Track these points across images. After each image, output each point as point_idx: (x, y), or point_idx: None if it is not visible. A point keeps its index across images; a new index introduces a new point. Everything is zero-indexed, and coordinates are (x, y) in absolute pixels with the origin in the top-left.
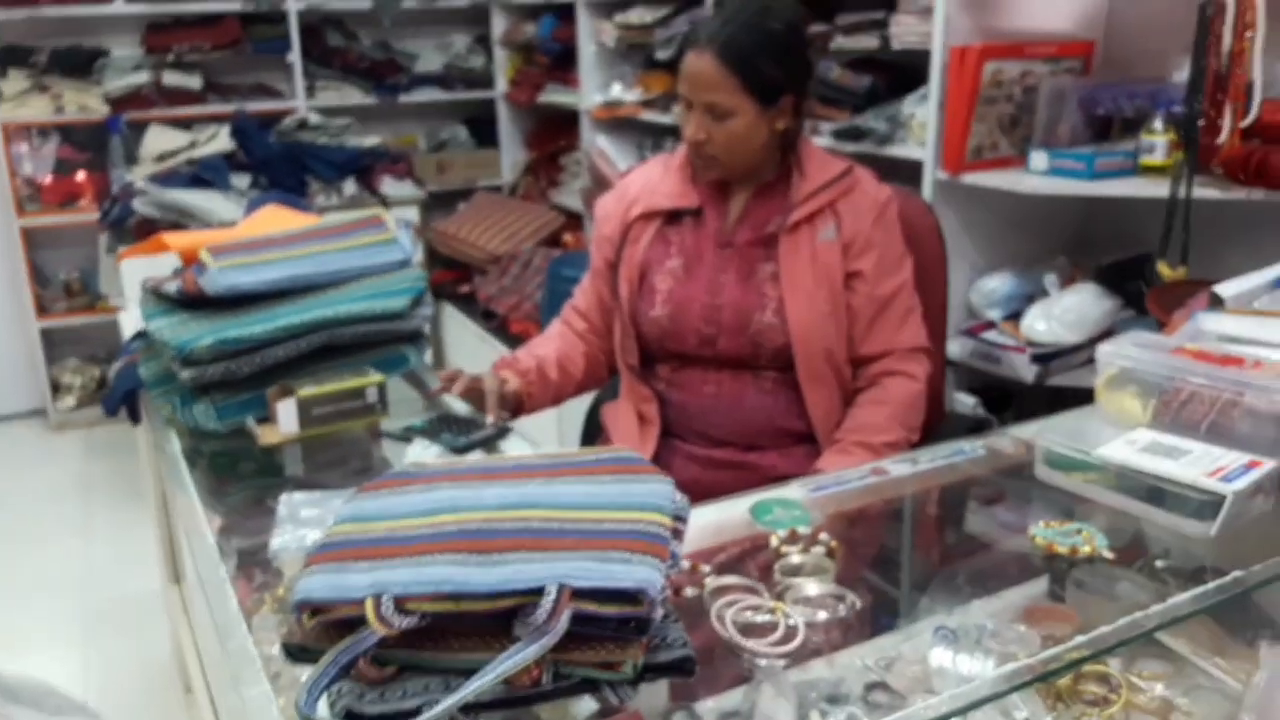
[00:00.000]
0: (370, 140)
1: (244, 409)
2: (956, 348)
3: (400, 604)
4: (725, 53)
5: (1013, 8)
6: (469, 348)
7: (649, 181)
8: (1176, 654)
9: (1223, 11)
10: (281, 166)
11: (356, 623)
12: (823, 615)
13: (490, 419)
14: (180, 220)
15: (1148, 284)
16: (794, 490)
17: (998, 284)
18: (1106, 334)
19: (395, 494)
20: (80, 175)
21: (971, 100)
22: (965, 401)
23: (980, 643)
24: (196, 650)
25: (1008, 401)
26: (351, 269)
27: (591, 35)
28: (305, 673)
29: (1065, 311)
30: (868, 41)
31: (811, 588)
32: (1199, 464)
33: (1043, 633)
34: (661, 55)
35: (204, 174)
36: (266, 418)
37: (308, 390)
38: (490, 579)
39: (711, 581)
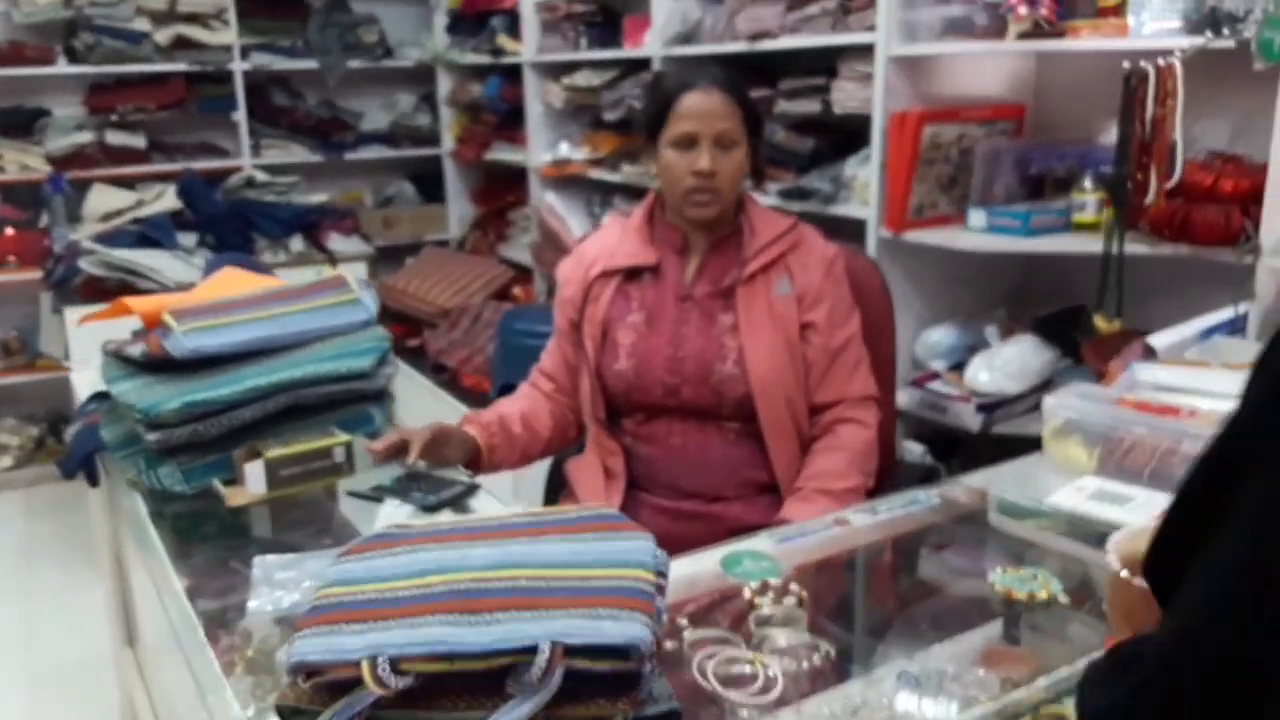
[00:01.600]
0: (317, 197)
1: (210, 471)
2: (904, 398)
3: (395, 664)
4: (730, 87)
5: (947, 74)
6: (420, 402)
7: (606, 243)
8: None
9: (1145, 81)
10: (228, 224)
11: (351, 684)
12: (798, 665)
13: (410, 460)
14: (127, 280)
15: (1083, 335)
16: (762, 542)
17: (941, 336)
18: (1046, 383)
19: (381, 556)
20: (9, 231)
21: (912, 162)
22: (914, 450)
23: (942, 687)
24: (154, 715)
25: (953, 449)
26: (316, 330)
27: (539, 96)
28: None
29: (1007, 362)
30: (809, 106)
31: (786, 638)
32: (1144, 509)
33: (1001, 676)
34: (610, 116)
35: (151, 233)
36: (233, 479)
37: (275, 451)
38: (484, 638)
39: (690, 634)
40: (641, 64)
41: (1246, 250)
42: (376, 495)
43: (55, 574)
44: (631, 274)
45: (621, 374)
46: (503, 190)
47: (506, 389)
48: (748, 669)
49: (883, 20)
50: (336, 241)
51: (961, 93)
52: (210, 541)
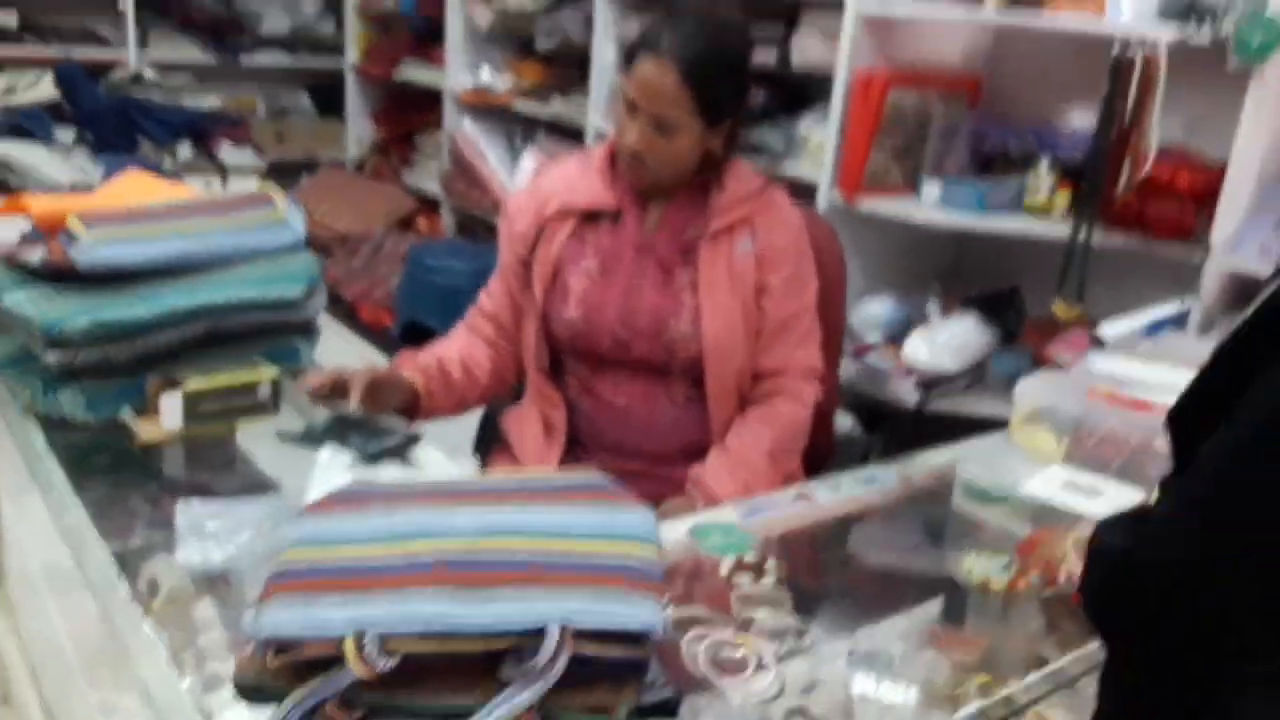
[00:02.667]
0: (208, 102)
1: (117, 399)
2: (842, 369)
3: (383, 643)
4: (689, 70)
5: (910, 38)
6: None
7: (566, 179)
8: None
9: (1132, 68)
10: (110, 123)
11: (325, 660)
12: (786, 648)
13: (352, 405)
14: None
15: (1016, 316)
16: (729, 514)
17: (878, 308)
18: (981, 363)
19: (354, 516)
20: None
21: (874, 126)
22: (843, 422)
23: (893, 668)
24: (26, 661)
25: (879, 422)
26: (241, 249)
27: (462, 14)
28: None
29: (949, 339)
30: (764, 57)
31: (771, 619)
32: (1117, 504)
33: (951, 659)
34: (543, 45)
35: (24, 123)
36: (142, 409)
37: (196, 383)
38: (484, 617)
39: (672, 612)
40: None
41: (1198, 248)
42: (311, 440)
43: None
44: (589, 217)
45: (569, 322)
46: (410, 112)
47: (411, 328)
48: (739, 654)
49: None
50: (228, 152)
51: (920, 58)
52: (105, 477)
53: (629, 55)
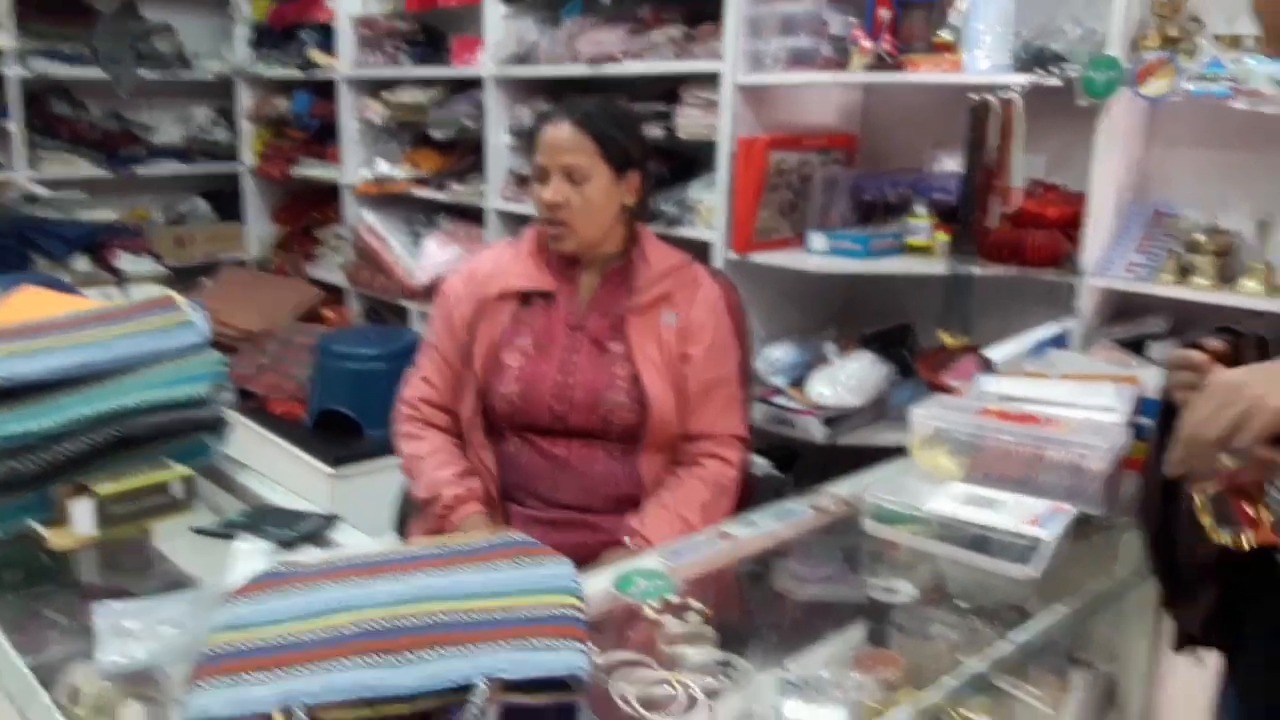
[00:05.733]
0: (103, 214)
1: (23, 512)
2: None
3: (312, 714)
4: (583, 121)
5: (786, 102)
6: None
7: (500, 264)
8: (991, 684)
9: (989, 114)
10: (2, 242)
11: None
12: (715, 682)
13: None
14: None
15: (910, 350)
16: (652, 560)
17: (781, 353)
18: (881, 397)
19: (275, 597)
20: None
21: (759, 187)
22: (758, 463)
23: (824, 692)
24: None
25: (792, 461)
26: (145, 354)
27: (354, 112)
28: None
29: (849, 377)
30: (653, 131)
31: (698, 655)
32: (1015, 513)
33: (877, 677)
34: (438, 134)
35: None
36: (52, 519)
37: (108, 487)
38: (409, 679)
39: (600, 658)
40: (472, 83)
41: (1070, 271)
42: (228, 532)
43: None
44: (524, 299)
45: (507, 397)
46: (308, 208)
47: (327, 415)
48: (668, 690)
49: (730, 50)
50: (126, 261)
51: (798, 121)
52: (14, 589)
53: (530, 136)
